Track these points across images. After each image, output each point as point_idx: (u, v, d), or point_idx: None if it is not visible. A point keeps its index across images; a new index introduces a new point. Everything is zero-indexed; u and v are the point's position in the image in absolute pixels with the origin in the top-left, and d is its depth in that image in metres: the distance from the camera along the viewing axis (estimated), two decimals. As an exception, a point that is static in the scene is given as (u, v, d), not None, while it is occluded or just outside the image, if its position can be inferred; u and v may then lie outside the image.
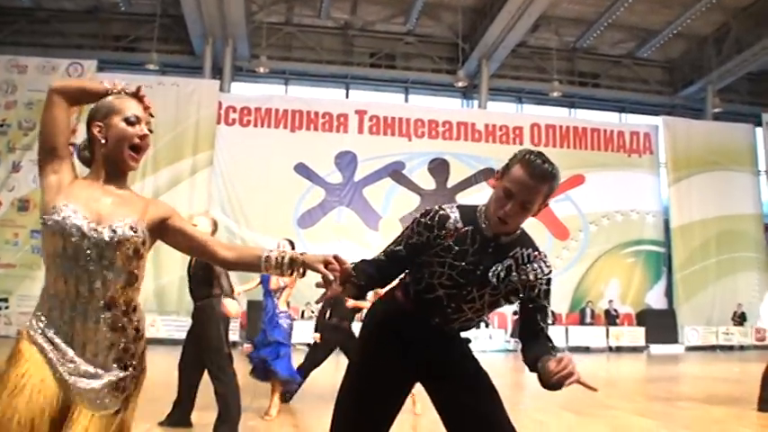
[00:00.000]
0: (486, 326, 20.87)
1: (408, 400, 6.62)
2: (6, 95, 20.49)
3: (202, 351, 5.86)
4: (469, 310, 2.59)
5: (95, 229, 2.14)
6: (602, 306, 22.59)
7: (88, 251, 2.13)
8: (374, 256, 2.67)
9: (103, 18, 22.74)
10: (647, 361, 18.42)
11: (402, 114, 23.07)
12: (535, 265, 2.57)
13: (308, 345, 18.25)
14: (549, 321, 2.56)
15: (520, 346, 2.61)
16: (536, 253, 2.61)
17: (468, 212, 2.59)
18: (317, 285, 2.26)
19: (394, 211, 21.88)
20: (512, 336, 21.10)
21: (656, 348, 21.42)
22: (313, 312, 19.49)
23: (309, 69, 23.72)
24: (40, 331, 2.14)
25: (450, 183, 22.79)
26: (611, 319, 22.04)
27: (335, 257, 2.24)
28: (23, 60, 20.76)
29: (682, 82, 25.62)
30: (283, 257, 2.27)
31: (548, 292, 2.59)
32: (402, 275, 2.70)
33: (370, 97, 24.07)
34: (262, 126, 21.78)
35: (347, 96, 24.52)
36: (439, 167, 22.78)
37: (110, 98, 2.31)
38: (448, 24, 23.54)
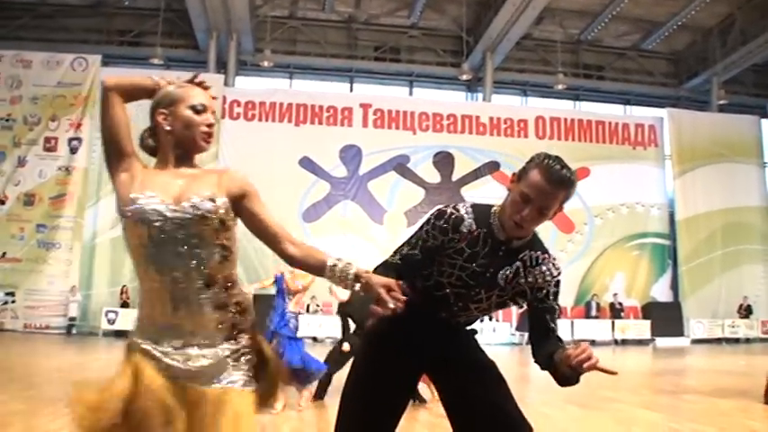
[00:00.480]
0: (491, 319, 20.89)
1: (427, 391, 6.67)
2: (11, 90, 20.56)
3: None
4: (476, 309, 2.60)
5: (175, 209, 2.12)
6: (607, 299, 22.57)
7: (174, 232, 2.11)
8: (388, 258, 2.62)
9: (108, 13, 22.81)
10: (653, 354, 18.44)
11: (407, 108, 23.08)
12: (543, 268, 2.55)
13: (314, 338, 18.41)
14: (558, 322, 2.55)
15: (530, 347, 2.61)
16: (545, 255, 2.57)
17: (482, 214, 2.55)
18: (331, 293, 2.28)
19: (399, 204, 21.91)
20: (517, 329, 21.13)
21: (661, 341, 21.43)
22: (318, 306, 19.59)
23: (314, 63, 23.76)
24: (140, 340, 2.15)
25: (455, 176, 22.80)
26: (615, 312, 22.03)
27: (398, 284, 2.18)
28: (28, 55, 20.83)
29: (687, 74, 25.57)
30: (348, 272, 2.20)
31: (557, 293, 2.56)
32: None
33: (374, 91, 24.08)
34: (266, 120, 21.82)
35: (351, 90, 24.52)
36: (444, 161, 22.79)
37: (172, 87, 2.28)
38: (452, 17, 23.52)
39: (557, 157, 2.47)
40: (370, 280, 2.18)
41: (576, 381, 2.35)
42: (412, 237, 2.62)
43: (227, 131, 21.20)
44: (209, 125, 2.28)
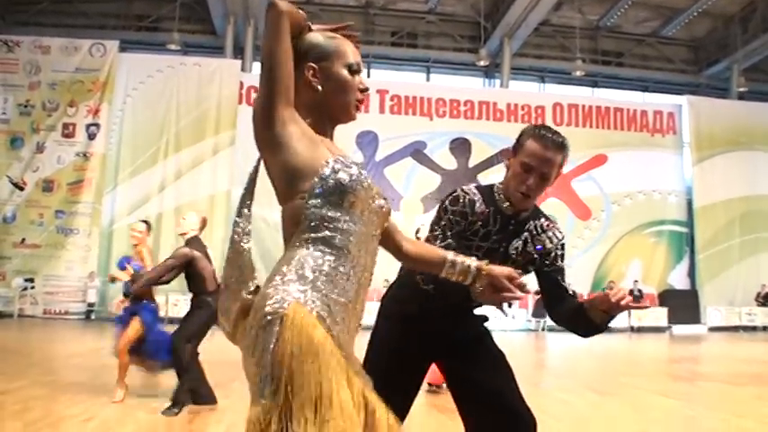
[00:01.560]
0: (509, 306, 20.87)
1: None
2: (30, 76, 20.71)
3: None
4: None
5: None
6: (624, 287, 22.49)
7: (373, 215, 1.87)
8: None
9: (126, -2, 22.87)
10: (670, 341, 18.48)
11: (423, 94, 23.09)
12: (549, 233, 2.65)
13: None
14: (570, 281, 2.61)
15: (547, 310, 2.68)
16: (548, 222, 2.68)
17: (487, 193, 2.63)
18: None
19: (415, 190, 21.96)
20: (533, 315, 21.19)
21: (678, 329, 21.42)
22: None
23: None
24: (325, 311, 1.66)
25: (472, 162, 22.82)
26: (634, 299, 21.93)
27: (518, 273, 2.10)
28: (47, 41, 20.96)
29: (706, 61, 25.43)
30: (469, 265, 2.07)
31: (563, 255, 2.68)
32: None
33: (391, 76, 24.09)
34: (282, 105, 21.81)
35: (368, 75, 24.48)
36: (460, 147, 22.81)
37: (321, 36, 1.90)
38: (470, 3, 23.47)
39: (544, 125, 2.62)
40: (491, 271, 2.07)
41: (605, 327, 2.41)
42: (436, 229, 2.62)
43: (244, 117, 21.25)
44: (364, 90, 1.95)
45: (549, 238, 2.64)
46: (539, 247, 2.63)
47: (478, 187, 2.67)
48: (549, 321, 20.76)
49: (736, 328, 21.68)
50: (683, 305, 22.01)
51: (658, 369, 10.72)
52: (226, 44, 21.87)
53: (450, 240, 2.54)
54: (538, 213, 2.68)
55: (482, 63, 23.51)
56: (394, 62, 24.36)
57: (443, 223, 2.61)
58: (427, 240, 2.61)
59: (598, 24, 24.77)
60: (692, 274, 23.68)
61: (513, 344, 16.29)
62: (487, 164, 22.76)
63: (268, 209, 20.57)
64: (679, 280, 23.63)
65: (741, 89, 24.52)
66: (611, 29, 25.04)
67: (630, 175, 23.40)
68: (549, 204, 22.77)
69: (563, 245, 2.67)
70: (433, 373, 5.01)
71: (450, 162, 22.71)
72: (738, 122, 24.15)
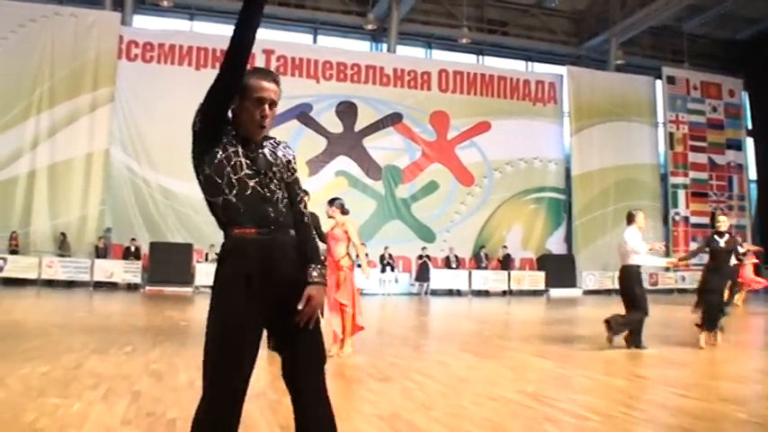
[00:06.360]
0: (392, 270, 21.51)
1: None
2: None
3: None
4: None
5: None
6: (505, 251, 23.50)
7: None
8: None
9: (-5, -60, 21.83)
10: (547, 304, 19.39)
11: (310, 56, 23.33)
12: (283, 145, 2.84)
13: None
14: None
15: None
16: (278, 139, 2.85)
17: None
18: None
19: (300, 153, 21.97)
20: (416, 279, 21.89)
21: (555, 292, 22.58)
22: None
23: (215, 5, 23.24)
24: None
25: (358, 126, 23.29)
26: (506, 264, 23.02)
27: None
28: None
29: (587, 33, 26.74)
30: None
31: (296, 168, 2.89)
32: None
33: (277, 36, 23.95)
34: (165, 63, 21.59)
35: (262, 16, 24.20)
36: (347, 111, 23.20)
37: None
38: (359, -35, 23.60)
39: (255, 67, 2.82)
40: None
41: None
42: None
43: (123, 73, 20.87)
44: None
45: (284, 148, 2.81)
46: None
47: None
48: (431, 285, 21.55)
49: (608, 292, 22.91)
50: (560, 269, 23.27)
51: (535, 331, 11.24)
52: (105, -6, 21.27)
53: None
54: (266, 137, 2.79)
55: (370, 27, 23.90)
56: (281, 22, 24.15)
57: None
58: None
59: (485, -7, 25.45)
60: (568, 239, 25.03)
61: (396, 307, 16.87)
62: (373, 128, 23.26)
63: (143, 166, 20.35)
64: (557, 245, 24.99)
65: (618, 62, 25.93)
66: (497, -2, 25.79)
67: (512, 143, 24.47)
68: (433, 170, 23.58)
69: (295, 158, 2.83)
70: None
71: (336, 125, 23.06)
72: (615, 94, 25.61)
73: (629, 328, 8.74)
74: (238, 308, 2.55)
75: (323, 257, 8.06)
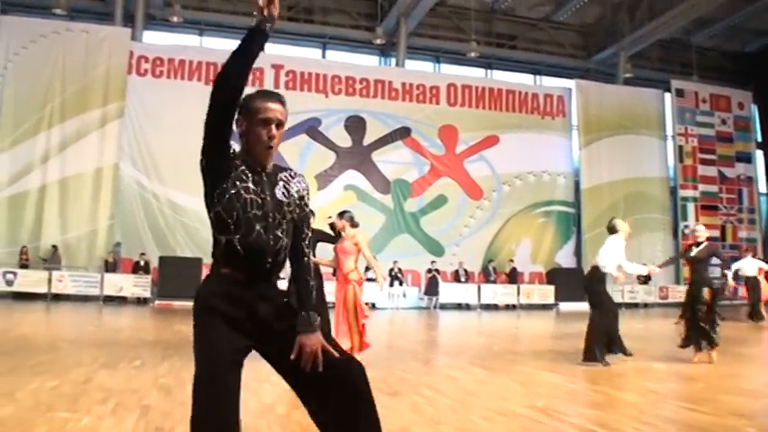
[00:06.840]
0: (401, 284, 21.50)
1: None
2: None
3: None
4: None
5: None
6: (512, 265, 23.45)
7: None
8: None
9: (8, -41, 22.05)
10: (556, 318, 19.29)
11: (319, 70, 23.42)
12: (297, 179, 2.81)
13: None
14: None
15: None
16: (292, 171, 2.82)
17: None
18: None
19: (309, 168, 22.17)
20: (425, 293, 21.86)
21: (564, 306, 22.42)
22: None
23: (225, 21, 23.44)
24: None
25: (366, 141, 23.33)
26: (513, 277, 22.97)
27: None
28: None
29: (595, 47, 26.79)
30: None
31: (308, 203, 2.86)
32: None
33: (286, 51, 24.03)
34: (175, 78, 21.72)
35: (263, 50, 24.33)
36: (355, 125, 23.26)
37: None
38: (367, -20, 23.71)
39: (260, 89, 2.82)
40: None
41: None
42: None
43: (133, 88, 21.00)
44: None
45: (298, 182, 2.78)
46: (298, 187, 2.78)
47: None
48: (440, 299, 21.51)
49: (619, 305, 22.67)
50: (569, 283, 23.04)
51: (545, 346, 11.19)
52: (115, 11, 21.58)
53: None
54: (280, 167, 2.79)
55: (378, 41, 23.98)
56: (290, 37, 24.27)
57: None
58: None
59: (493, 7, 25.68)
60: (578, 253, 24.99)
61: (404, 322, 16.83)
62: (382, 142, 23.30)
63: (152, 181, 20.44)
64: (566, 259, 24.90)
65: (627, 75, 25.98)
66: (505, 12, 26.00)
67: (521, 157, 24.49)
68: (442, 183, 23.57)
69: (308, 192, 2.81)
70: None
71: (344, 140, 23.12)
72: (624, 107, 25.61)
73: (606, 338, 8.60)
74: (219, 338, 2.50)
75: (332, 271, 8.08)
